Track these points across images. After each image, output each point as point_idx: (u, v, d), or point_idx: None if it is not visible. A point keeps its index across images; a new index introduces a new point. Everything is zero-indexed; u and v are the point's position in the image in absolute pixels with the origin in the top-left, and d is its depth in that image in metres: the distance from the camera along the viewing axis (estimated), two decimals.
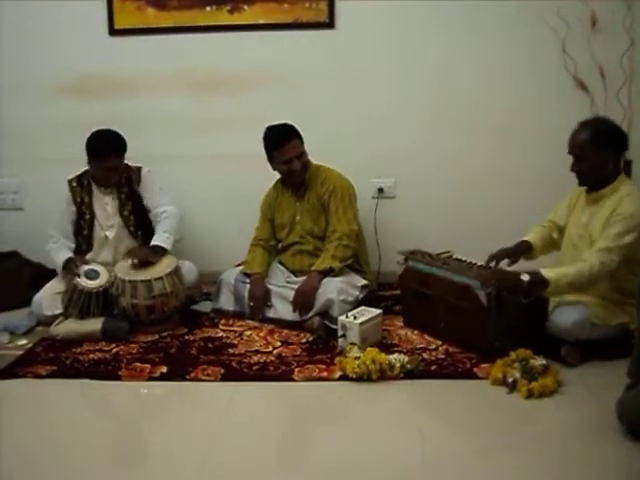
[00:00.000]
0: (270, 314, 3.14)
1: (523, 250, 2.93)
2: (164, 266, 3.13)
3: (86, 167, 3.27)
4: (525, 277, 2.58)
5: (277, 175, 3.30)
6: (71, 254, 3.24)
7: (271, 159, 3.17)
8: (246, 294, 3.19)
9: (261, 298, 3.15)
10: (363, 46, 3.53)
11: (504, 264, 2.89)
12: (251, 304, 3.16)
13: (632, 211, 2.56)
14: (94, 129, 3.21)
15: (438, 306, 2.87)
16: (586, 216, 2.72)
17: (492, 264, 2.84)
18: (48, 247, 3.28)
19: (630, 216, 2.55)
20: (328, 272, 3.06)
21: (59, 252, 3.25)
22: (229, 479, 2.04)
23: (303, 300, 3.02)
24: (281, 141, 3.11)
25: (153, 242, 3.21)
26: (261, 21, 3.53)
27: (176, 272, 3.15)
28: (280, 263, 3.35)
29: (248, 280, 3.21)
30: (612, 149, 2.64)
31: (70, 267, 3.13)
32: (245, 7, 3.52)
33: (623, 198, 2.60)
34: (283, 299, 3.13)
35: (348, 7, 3.49)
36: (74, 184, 3.30)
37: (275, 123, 3.17)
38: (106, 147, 3.16)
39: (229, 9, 3.53)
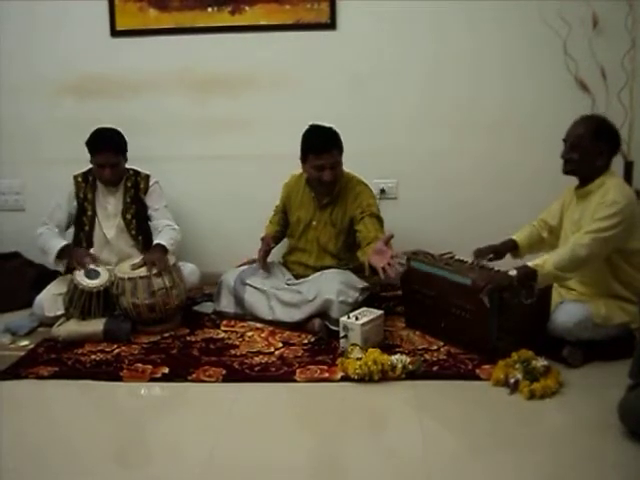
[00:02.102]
0: (269, 317, 3.13)
1: (508, 248, 2.99)
2: None
3: (90, 166, 3.29)
4: (513, 273, 2.61)
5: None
6: (66, 242, 3.23)
7: (304, 159, 3.10)
8: (246, 296, 3.18)
9: (268, 239, 3.21)
10: (365, 47, 3.54)
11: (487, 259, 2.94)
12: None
13: (615, 198, 2.59)
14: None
15: (440, 306, 2.87)
16: (578, 213, 2.76)
17: (477, 261, 2.89)
18: (39, 231, 3.25)
19: (613, 202, 2.59)
20: None
21: (52, 238, 3.23)
22: None
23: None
24: (320, 148, 3.02)
25: (157, 241, 3.24)
26: (262, 22, 3.53)
27: (175, 268, 3.15)
28: (284, 264, 3.36)
29: (248, 282, 3.20)
30: (607, 147, 2.69)
31: (79, 258, 3.13)
32: (246, 8, 3.53)
33: (608, 189, 2.64)
34: (281, 302, 3.11)
35: (350, 8, 3.49)
36: (79, 179, 3.32)
37: (320, 124, 3.08)
38: (100, 143, 3.19)
39: (230, 10, 3.54)
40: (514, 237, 3.01)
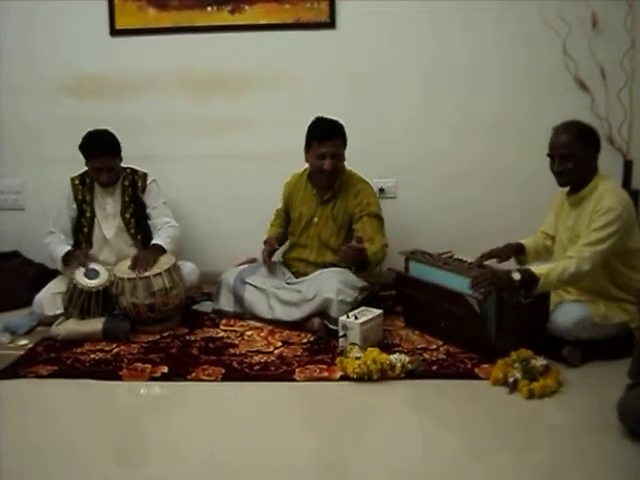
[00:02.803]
0: (268, 316, 3.13)
1: (514, 251, 2.96)
2: (162, 263, 3.14)
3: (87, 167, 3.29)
4: (516, 276, 2.60)
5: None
6: (70, 248, 3.25)
7: (307, 149, 3.14)
8: (245, 295, 3.18)
9: (271, 241, 3.24)
10: (364, 46, 3.54)
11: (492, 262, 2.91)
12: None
13: (610, 204, 2.58)
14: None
15: (435, 309, 2.87)
16: (572, 220, 2.75)
17: (478, 260, 2.87)
18: (47, 240, 3.29)
19: (609, 209, 2.57)
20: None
21: (58, 245, 3.26)
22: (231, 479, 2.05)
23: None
24: (324, 135, 3.07)
25: (155, 241, 3.24)
26: (262, 21, 3.53)
27: (175, 268, 3.15)
28: (284, 264, 3.36)
29: (247, 281, 3.20)
30: (593, 147, 2.69)
31: (78, 258, 3.15)
32: (246, 7, 3.53)
33: (603, 194, 2.63)
34: (280, 301, 3.11)
35: (349, 7, 3.49)
36: (76, 182, 3.32)
37: (327, 116, 3.14)
38: (94, 148, 3.18)
39: (230, 9, 3.54)
40: (522, 241, 2.98)
